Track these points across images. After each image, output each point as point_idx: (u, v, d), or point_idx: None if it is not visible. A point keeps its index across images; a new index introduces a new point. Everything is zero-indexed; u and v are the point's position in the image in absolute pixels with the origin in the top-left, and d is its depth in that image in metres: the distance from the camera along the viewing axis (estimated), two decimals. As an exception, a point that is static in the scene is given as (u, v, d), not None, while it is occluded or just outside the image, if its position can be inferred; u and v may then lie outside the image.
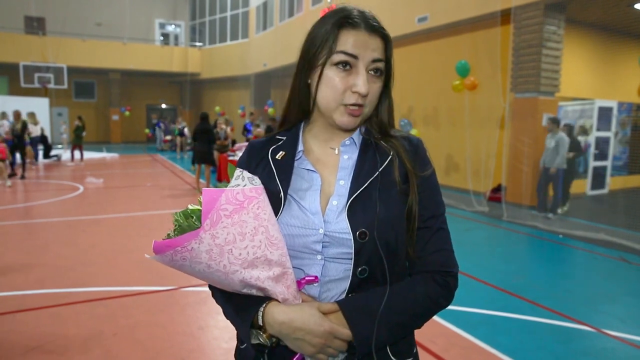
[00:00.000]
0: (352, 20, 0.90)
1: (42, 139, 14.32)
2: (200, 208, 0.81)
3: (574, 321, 3.43)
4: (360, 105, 0.90)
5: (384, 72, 0.94)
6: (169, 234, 0.83)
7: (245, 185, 0.84)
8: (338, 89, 0.90)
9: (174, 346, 2.89)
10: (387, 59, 0.93)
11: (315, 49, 0.92)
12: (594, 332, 3.27)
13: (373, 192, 0.90)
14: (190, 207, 0.84)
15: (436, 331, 3.14)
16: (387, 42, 0.93)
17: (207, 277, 0.85)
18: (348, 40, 0.89)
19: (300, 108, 1.00)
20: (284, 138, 1.02)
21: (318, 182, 0.94)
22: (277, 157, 0.98)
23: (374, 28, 0.91)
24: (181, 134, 17.48)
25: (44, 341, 2.88)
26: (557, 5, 7.52)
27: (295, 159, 0.97)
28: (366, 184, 0.91)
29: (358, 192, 0.90)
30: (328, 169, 0.97)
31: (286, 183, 0.93)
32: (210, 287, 0.99)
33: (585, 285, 4.43)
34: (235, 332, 1.01)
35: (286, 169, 0.96)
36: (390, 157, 0.94)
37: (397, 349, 0.92)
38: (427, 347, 2.90)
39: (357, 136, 0.99)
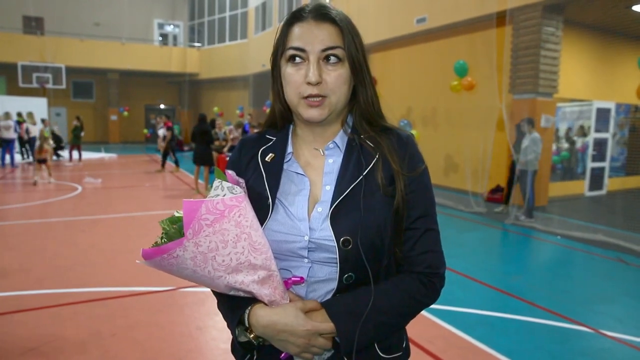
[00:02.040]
0: (300, 14, 0.91)
1: (56, 139, 14.10)
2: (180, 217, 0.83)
3: (572, 322, 3.44)
4: (318, 96, 0.88)
5: (350, 60, 0.90)
6: (156, 241, 0.85)
7: (225, 195, 0.84)
8: (294, 83, 0.89)
9: (173, 346, 2.89)
10: (348, 46, 0.89)
11: (274, 53, 0.95)
12: (592, 333, 3.28)
13: (356, 198, 0.88)
14: (176, 213, 0.85)
15: (434, 332, 3.15)
16: (341, 28, 0.90)
17: (195, 280, 0.87)
18: (295, 35, 0.90)
19: (279, 113, 1.01)
20: (274, 139, 1.01)
21: (307, 186, 0.94)
22: (266, 159, 0.97)
23: (323, 16, 0.89)
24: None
25: (42, 342, 2.88)
26: (556, 6, 7.54)
27: (285, 161, 0.97)
28: (348, 190, 0.89)
29: (340, 198, 0.88)
30: (316, 172, 0.96)
31: (275, 188, 0.93)
32: None
33: (583, 286, 4.44)
34: None
35: (275, 172, 0.95)
36: (375, 158, 0.92)
37: (385, 345, 0.93)
38: (425, 348, 2.91)
39: (340, 138, 0.97)
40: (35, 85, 17.92)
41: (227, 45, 21.08)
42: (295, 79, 0.89)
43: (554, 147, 8.88)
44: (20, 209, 7.25)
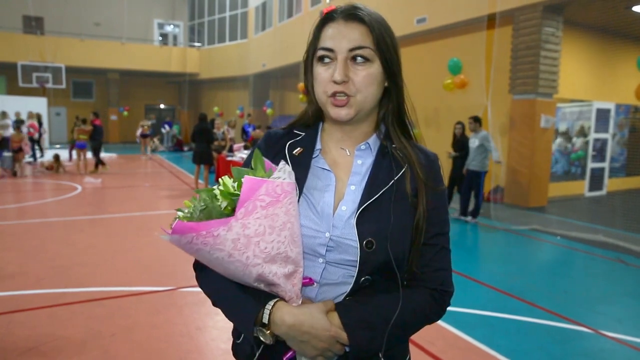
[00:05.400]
0: (332, 15, 0.91)
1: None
2: (228, 191, 0.79)
3: (572, 322, 3.43)
4: (344, 94, 0.89)
5: (382, 59, 0.90)
6: (191, 213, 0.80)
7: (284, 179, 0.82)
8: (322, 82, 0.90)
9: (172, 347, 2.88)
10: (378, 45, 0.89)
11: (307, 51, 0.96)
12: (592, 333, 3.28)
13: (385, 202, 0.89)
14: (217, 188, 0.81)
15: (435, 333, 3.15)
16: (370, 27, 0.89)
17: (221, 265, 0.82)
18: (326, 35, 0.91)
19: (313, 111, 1.01)
20: (302, 134, 1.01)
21: (333, 182, 0.94)
22: (294, 152, 0.97)
23: (352, 16, 0.89)
24: (143, 135, 17.13)
25: (41, 342, 2.87)
26: (556, 6, 7.54)
27: (313, 157, 0.97)
28: (379, 194, 0.90)
29: (370, 200, 0.89)
30: (342, 171, 0.96)
31: (302, 182, 0.92)
32: (201, 275, 0.95)
33: (583, 286, 4.43)
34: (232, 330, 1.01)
35: (303, 166, 0.95)
36: (404, 168, 0.93)
37: (390, 355, 0.93)
38: (425, 349, 2.90)
39: (373, 141, 0.97)
40: (35, 85, 17.91)
41: (227, 45, 21.08)
42: (323, 77, 0.90)
43: (553, 147, 8.87)
44: (20, 208, 7.25)
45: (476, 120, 6.87)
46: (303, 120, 1.03)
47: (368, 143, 0.97)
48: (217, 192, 0.80)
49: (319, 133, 1.00)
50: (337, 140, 0.99)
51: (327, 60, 0.90)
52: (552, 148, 8.55)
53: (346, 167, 0.96)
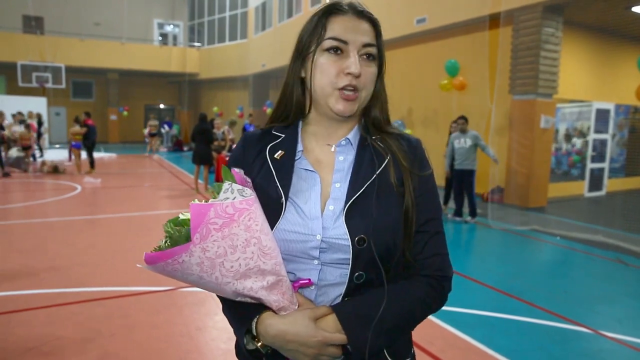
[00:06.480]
0: (339, 7, 0.91)
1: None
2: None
3: (571, 322, 3.44)
4: (354, 89, 0.88)
5: (379, 60, 0.93)
6: (160, 245, 0.82)
7: (234, 198, 0.80)
8: (331, 72, 0.88)
9: (172, 347, 2.88)
10: (379, 46, 0.92)
11: (306, 40, 0.93)
12: (591, 334, 3.29)
13: (370, 197, 0.88)
14: (181, 215, 0.82)
15: (434, 332, 3.15)
16: (376, 27, 0.92)
17: (200, 285, 0.84)
18: (337, 26, 0.89)
19: (296, 104, 0.98)
20: (282, 135, 0.98)
21: (318, 182, 0.92)
22: (275, 156, 0.94)
23: (362, 13, 0.91)
24: (152, 134, 17.39)
25: (41, 341, 2.87)
26: (555, 7, 7.55)
27: (296, 159, 0.94)
28: (364, 188, 0.88)
29: (355, 196, 0.88)
30: (326, 169, 0.94)
31: (287, 187, 0.91)
32: None
33: (583, 287, 4.44)
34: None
35: (286, 170, 0.92)
36: (387, 159, 0.92)
37: (394, 350, 0.92)
38: (425, 349, 2.91)
39: (353, 135, 0.96)
40: (34, 84, 17.91)
41: (227, 45, 21.08)
42: (332, 69, 0.89)
43: (555, 147, 8.88)
44: (20, 208, 7.24)
45: (466, 120, 6.93)
46: (282, 118, 1.01)
47: (348, 138, 0.96)
48: (180, 219, 0.81)
49: (299, 132, 0.98)
50: (322, 137, 0.97)
51: (338, 52, 0.89)
52: (552, 148, 8.56)
53: (329, 165, 0.94)
